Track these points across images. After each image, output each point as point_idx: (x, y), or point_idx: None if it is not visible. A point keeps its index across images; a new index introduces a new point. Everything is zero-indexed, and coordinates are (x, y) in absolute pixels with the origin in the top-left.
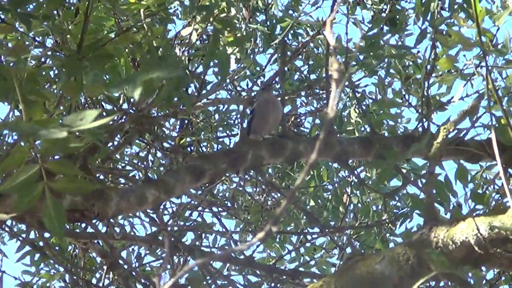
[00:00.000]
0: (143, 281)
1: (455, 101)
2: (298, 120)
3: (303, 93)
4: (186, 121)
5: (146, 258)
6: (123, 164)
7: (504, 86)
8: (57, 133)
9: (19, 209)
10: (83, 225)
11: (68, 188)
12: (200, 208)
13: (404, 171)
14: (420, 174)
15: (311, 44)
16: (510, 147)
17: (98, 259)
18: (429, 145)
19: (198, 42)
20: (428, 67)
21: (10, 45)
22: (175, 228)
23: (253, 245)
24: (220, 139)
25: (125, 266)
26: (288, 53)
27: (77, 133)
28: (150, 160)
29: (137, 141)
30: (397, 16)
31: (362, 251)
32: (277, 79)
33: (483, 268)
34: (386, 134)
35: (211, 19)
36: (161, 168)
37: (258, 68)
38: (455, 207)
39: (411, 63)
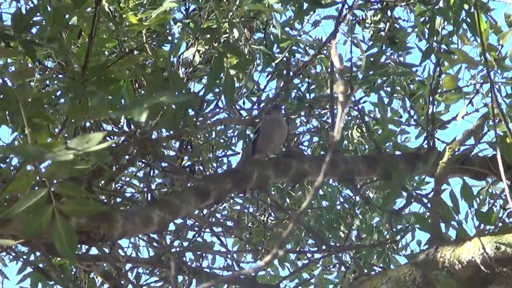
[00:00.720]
0: None
1: (458, 120)
2: (298, 140)
3: (302, 113)
4: (186, 142)
5: (143, 278)
6: (125, 186)
7: (508, 103)
8: (63, 156)
9: (29, 233)
10: (86, 246)
11: (77, 210)
12: (201, 228)
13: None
14: (424, 193)
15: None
16: None
17: (98, 281)
18: (435, 163)
19: (199, 61)
20: (433, 84)
21: (13, 68)
22: (178, 249)
23: (260, 269)
24: (220, 159)
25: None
26: (289, 72)
27: (83, 156)
28: (153, 181)
29: (139, 162)
30: (397, 35)
31: (365, 270)
32: (279, 98)
33: None
34: (391, 152)
35: (215, 42)
36: (163, 189)
37: (256, 87)
38: (460, 226)
39: (416, 79)
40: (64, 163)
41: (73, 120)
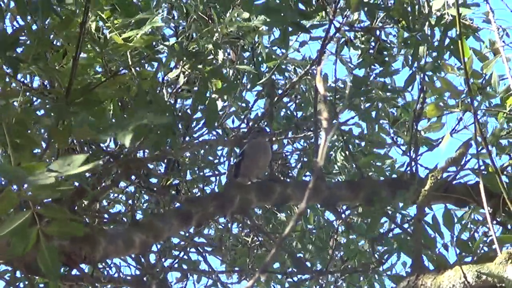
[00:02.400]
0: None
1: (442, 147)
2: (285, 160)
3: (290, 133)
4: (172, 162)
5: None
6: (110, 204)
7: (492, 133)
8: (45, 178)
9: (15, 255)
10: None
11: (60, 232)
12: (186, 248)
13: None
14: (407, 218)
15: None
16: (497, 193)
17: None
18: (417, 190)
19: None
20: (417, 110)
21: None
22: (161, 270)
23: None
24: (206, 179)
25: None
26: (276, 91)
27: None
28: (139, 200)
29: (123, 183)
30: (385, 57)
31: None
32: (265, 121)
33: None
34: (374, 175)
35: (199, 65)
36: (147, 207)
37: (244, 105)
38: (440, 254)
39: (400, 103)
40: (47, 185)
41: (55, 143)
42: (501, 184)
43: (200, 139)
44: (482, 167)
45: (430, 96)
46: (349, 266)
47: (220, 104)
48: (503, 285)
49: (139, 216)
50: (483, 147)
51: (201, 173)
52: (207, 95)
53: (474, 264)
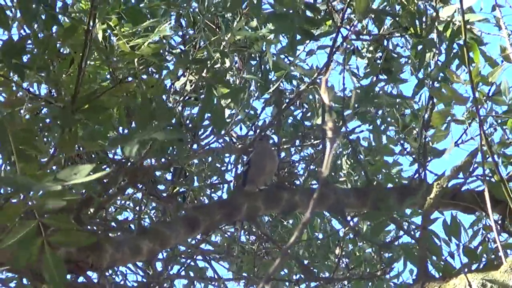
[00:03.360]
0: None
1: (446, 155)
2: (292, 168)
3: (297, 142)
4: (179, 170)
5: None
6: (117, 210)
7: (499, 141)
8: (51, 187)
9: (19, 265)
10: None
11: (65, 242)
12: (193, 256)
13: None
14: (414, 226)
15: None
16: (503, 200)
17: None
18: (424, 196)
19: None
20: (426, 117)
21: (3, 96)
22: (166, 277)
23: None
24: (213, 187)
25: None
26: (284, 100)
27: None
28: (146, 206)
29: (130, 189)
30: (392, 66)
31: None
32: (272, 129)
33: None
34: (382, 182)
35: (205, 73)
36: (154, 214)
37: (252, 112)
38: (447, 262)
39: (408, 112)
40: (53, 194)
41: (62, 153)
42: (506, 192)
43: (207, 147)
44: (489, 175)
45: (439, 103)
46: (355, 273)
47: (227, 112)
48: None
49: (146, 223)
50: (489, 155)
51: (208, 181)
52: (214, 102)
53: (479, 272)
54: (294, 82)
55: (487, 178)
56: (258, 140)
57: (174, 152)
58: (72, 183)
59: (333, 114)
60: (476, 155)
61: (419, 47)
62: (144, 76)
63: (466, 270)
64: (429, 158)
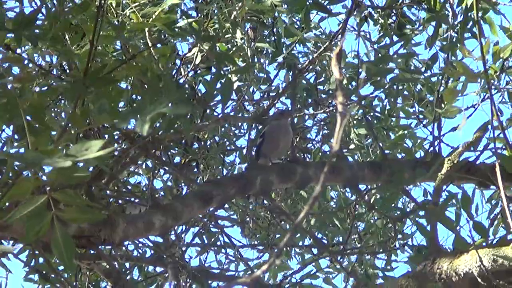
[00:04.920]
0: None
1: (459, 130)
2: (306, 133)
3: (310, 109)
4: (192, 139)
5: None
6: (128, 176)
7: (510, 117)
8: (62, 163)
9: (28, 239)
10: None
11: (76, 218)
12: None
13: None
14: (429, 200)
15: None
16: None
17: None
18: (437, 171)
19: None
20: (440, 90)
21: (16, 71)
22: (180, 248)
23: (258, 274)
24: (226, 153)
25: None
26: (297, 66)
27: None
28: (156, 175)
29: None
30: (406, 31)
31: (365, 282)
32: (286, 95)
33: None
34: (397, 155)
35: (215, 49)
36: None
37: (265, 75)
38: (458, 237)
39: (424, 85)
40: (64, 170)
41: (73, 127)
42: None
43: (220, 115)
44: (502, 148)
45: (453, 76)
46: (370, 243)
47: (236, 84)
48: None
49: (156, 193)
50: (500, 131)
51: (221, 148)
52: (223, 76)
53: (491, 248)
54: (308, 45)
55: (500, 152)
56: (279, 114)
57: (181, 127)
58: (83, 158)
59: (344, 86)
60: (487, 130)
61: (430, 18)
62: (158, 45)
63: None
64: (444, 132)
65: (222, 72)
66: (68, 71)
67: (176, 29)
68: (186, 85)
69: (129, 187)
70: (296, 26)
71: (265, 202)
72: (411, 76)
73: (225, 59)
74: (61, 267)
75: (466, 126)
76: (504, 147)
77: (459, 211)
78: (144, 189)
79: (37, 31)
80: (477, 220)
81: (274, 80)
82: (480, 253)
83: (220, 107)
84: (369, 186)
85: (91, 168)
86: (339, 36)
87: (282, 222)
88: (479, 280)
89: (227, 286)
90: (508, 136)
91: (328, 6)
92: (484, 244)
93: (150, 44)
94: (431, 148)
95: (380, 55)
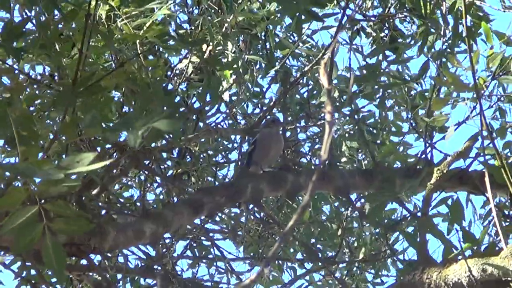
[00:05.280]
0: None
1: (446, 139)
2: (297, 146)
3: (302, 122)
4: (183, 150)
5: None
6: (120, 189)
7: (499, 127)
8: (55, 175)
9: (19, 250)
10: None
11: (66, 230)
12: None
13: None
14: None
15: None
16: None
17: None
18: (429, 178)
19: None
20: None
21: (5, 81)
22: (169, 258)
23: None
24: (218, 166)
25: None
26: (290, 78)
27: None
28: (148, 188)
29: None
30: (398, 45)
31: None
32: (278, 108)
33: None
34: (390, 162)
35: (204, 56)
36: (159, 195)
37: (258, 89)
38: (447, 246)
39: (416, 91)
40: (54, 181)
41: (64, 138)
42: (507, 178)
43: (212, 126)
44: (491, 157)
45: (445, 84)
46: (360, 256)
47: (226, 96)
48: (509, 278)
49: (150, 204)
50: (489, 141)
51: (213, 160)
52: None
53: (480, 258)
54: (300, 59)
55: (490, 161)
56: (270, 122)
57: (170, 137)
58: (74, 171)
59: (335, 96)
60: (477, 140)
61: (423, 28)
62: (150, 57)
63: (466, 255)
64: (436, 139)
65: (212, 76)
66: (57, 80)
67: (167, 38)
68: (177, 95)
69: (121, 200)
70: (290, 40)
71: (256, 213)
72: (403, 83)
73: (216, 64)
74: (53, 279)
75: (459, 133)
76: (493, 157)
77: (451, 226)
78: (138, 204)
79: (26, 41)
80: (466, 229)
81: (266, 93)
82: (469, 263)
83: (212, 120)
84: (360, 195)
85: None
86: (330, 47)
87: (273, 235)
88: None
89: None
90: (497, 146)
91: (319, 14)
92: (472, 249)
93: (140, 53)
94: (423, 156)
95: (370, 66)
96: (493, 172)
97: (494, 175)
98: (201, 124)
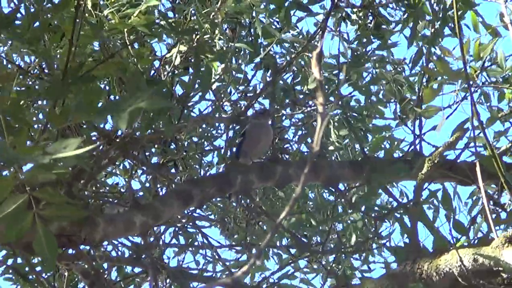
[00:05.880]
0: None
1: (437, 131)
2: (283, 133)
3: (288, 109)
4: (170, 140)
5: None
6: (105, 177)
7: (489, 117)
8: (41, 160)
9: (9, 239)
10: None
11: (57, 216)
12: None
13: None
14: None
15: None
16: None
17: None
18: (419, 170)
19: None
20: (421, 89)
21: None
22: (157, 247)
23: (239, 276)
24: (204, 153)
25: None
26: (276, 66)
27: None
28: (133, 176)
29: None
30: (383, 31)
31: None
32: (264, 95)
33: None
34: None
35: (192, 44)
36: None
37: (242, 76)
38: (438, 236)
39: (405, 85)
40: (43, 168)
41: (52, 126)
42: (497, 168)
43: (198, 114)
44: (483, 147)
45: (433, 75)
46: (347, 244)
47: (215, 85)
48: (500, 268)
49: (138, 194)
50: (480, 130)
51: (199, 148)
52: (202, 69)
53: (471, 248)
54: (284, 45)
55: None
56: (259, 114)
57: (161, 126)
58: (61, 156)
59: (324, 85)
60: (468, 130)
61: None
62: (136, 46)
63: (456, 245)
64: (424, 130)
65: (201, 63)
66: (47, 71)
67: (154, 28)
68: (165, 85)
69: (107, 188)
70: (274, 27)
71: (244, 202)
72: (390, 74)
73: (205, 52)
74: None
75: (448, 124)
76: (484, 146)
77: (436, 212)
78: (123, 190)
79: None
80: (457, 218)
81: (252, 80)
82: (460, 253)
83: (197, 108)
84: (349, 185)
85: (71, 168)
86: (318, 36)
87: (260, 223)
88: (460, 280)
89: (207, 287)
90: (488, 136)
91: (308, 6)
92: (465, 243)
93: (129, 44)
94: (412, 147)
95: (356, 54)
96: (484, 161)
97: (485, 165)
98: (186, 112)
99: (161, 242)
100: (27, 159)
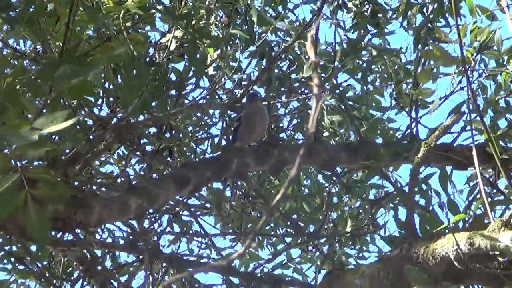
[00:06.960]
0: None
1: (431, 114)
2: (278, 121)
3: (283, 97)
4: (165, 125)
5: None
6: (100, 165)
7: (486, 98)
8: (29, 136)
9: (1, 218)
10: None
11: (50, 195)
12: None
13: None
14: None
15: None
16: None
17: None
18: (415, 153)
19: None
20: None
21: None
22: (154, 235)
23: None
24: (198, 141)
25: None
26: (271, 54)
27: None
28: (129, 162)
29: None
30: (379, 19)
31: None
32: (259, 84)
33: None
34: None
35: (189, 29)
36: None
37: (235, 64)
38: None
39: (400, 67)
40: (33, 144)
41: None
42: (494, 151)
43: (193, 101)
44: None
45: (432, 58)
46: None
47: (211, 70)
48: (496, 252)
49: (132, 178)
50: (476, 113)
51: (194, 135)
52: (198, 55)
53: (467, 232)
54: (280, 35)
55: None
56: (251, 99)
57: (156, 106)
58: (49, 130)
59: (319, 69)
60: (463, 113)
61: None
62: (130, 31)
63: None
64: (421, 114)
65: (197, 48)
66: (42, 54)
67: (150, 12)
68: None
69: (102, 176)
70: (269, 15)
71: (241, 185)
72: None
73: (202, 36)
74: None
75: (444, 108)
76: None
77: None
78: (117, 178)
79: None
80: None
81: (247, 69)
82: (456, 237)
83: (192, 96)
84: (345, 169)
85: (67, 151)
86: (313, 22)
87: (256, 209)
88: (456, 264)
89: (202, 271)
90: (484, 120)
91: None
92: (460, 223)
93: (124, 29)
94: (408, 130)
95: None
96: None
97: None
98: (181, 99)
99: (157, 227)
100: (15, 135)
